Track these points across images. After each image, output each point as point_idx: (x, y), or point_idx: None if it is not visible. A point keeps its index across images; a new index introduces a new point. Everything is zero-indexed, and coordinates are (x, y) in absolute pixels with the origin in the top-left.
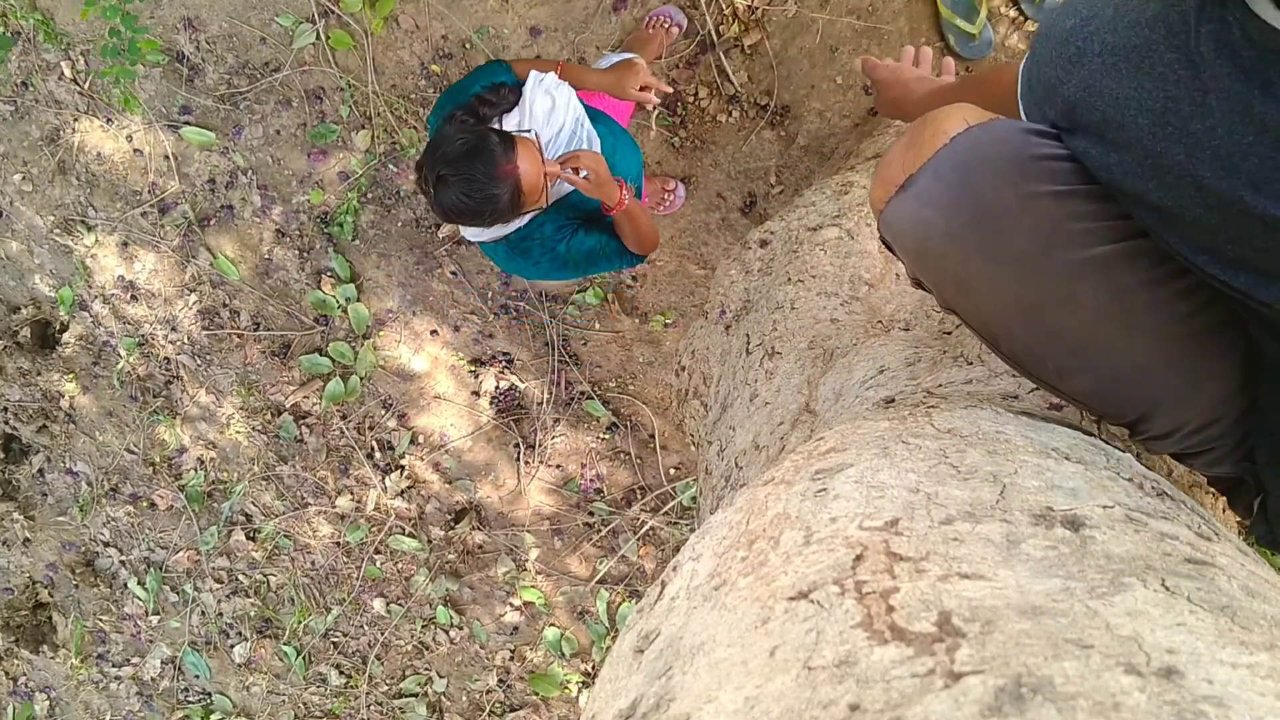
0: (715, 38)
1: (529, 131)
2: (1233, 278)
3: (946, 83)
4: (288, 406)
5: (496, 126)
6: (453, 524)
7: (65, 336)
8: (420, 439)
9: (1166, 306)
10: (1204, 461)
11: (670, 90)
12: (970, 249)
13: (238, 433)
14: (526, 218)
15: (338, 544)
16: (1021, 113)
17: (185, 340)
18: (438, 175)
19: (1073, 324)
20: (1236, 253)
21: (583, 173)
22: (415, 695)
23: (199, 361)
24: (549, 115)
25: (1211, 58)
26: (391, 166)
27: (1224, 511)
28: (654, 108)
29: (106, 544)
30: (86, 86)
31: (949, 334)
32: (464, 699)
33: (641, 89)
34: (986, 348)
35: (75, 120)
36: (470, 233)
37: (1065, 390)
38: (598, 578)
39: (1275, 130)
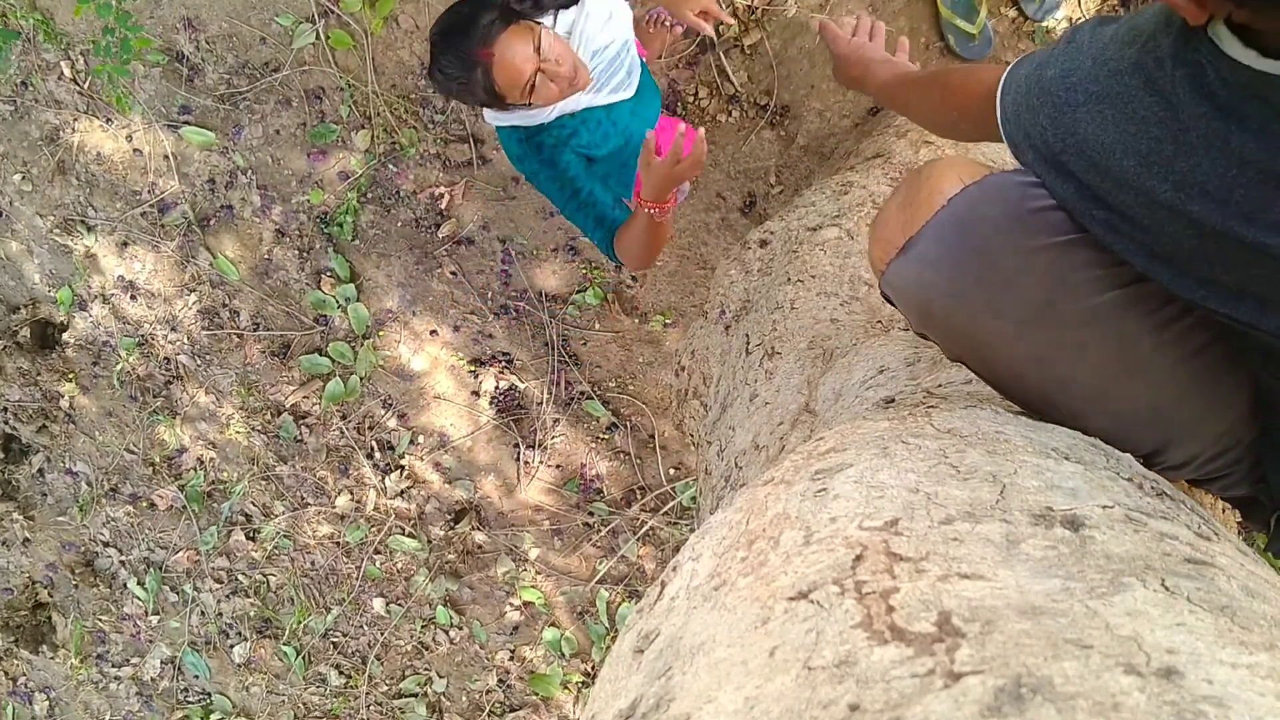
0: (715, 37)
1: (541, 22)
2: (1234, 309)
3: (908, 73)
4: (287, 406)
5: (549, 21)
6: (453, 524)
7: (65, 336)
8: (420, 439)
9: (1174, 346)
10: (1220, 485)
11: (732, 21)
12: (976, 308)
13: (237, 433)
14: (552, 113)
15: (337, 544)
16: (1003, 133)
17: (185, 340)
18: (430, 41)
19: (1084, 372)
20: (1235, 282)
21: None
22: (415, 695)
23: (199, 361)
24: (603, 25)
25: (1187, 99)
26: (391, 166)
27: (1224, 512)
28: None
29: (106, 544)
30: (86, 86)
31: None
32: (464, 699)
33: (700, 14)
34: (998, 394)
35: (75, 120)
36: (488, 114)
37: (1081, 430)
38: (598, 578)
39: (1255, 163)
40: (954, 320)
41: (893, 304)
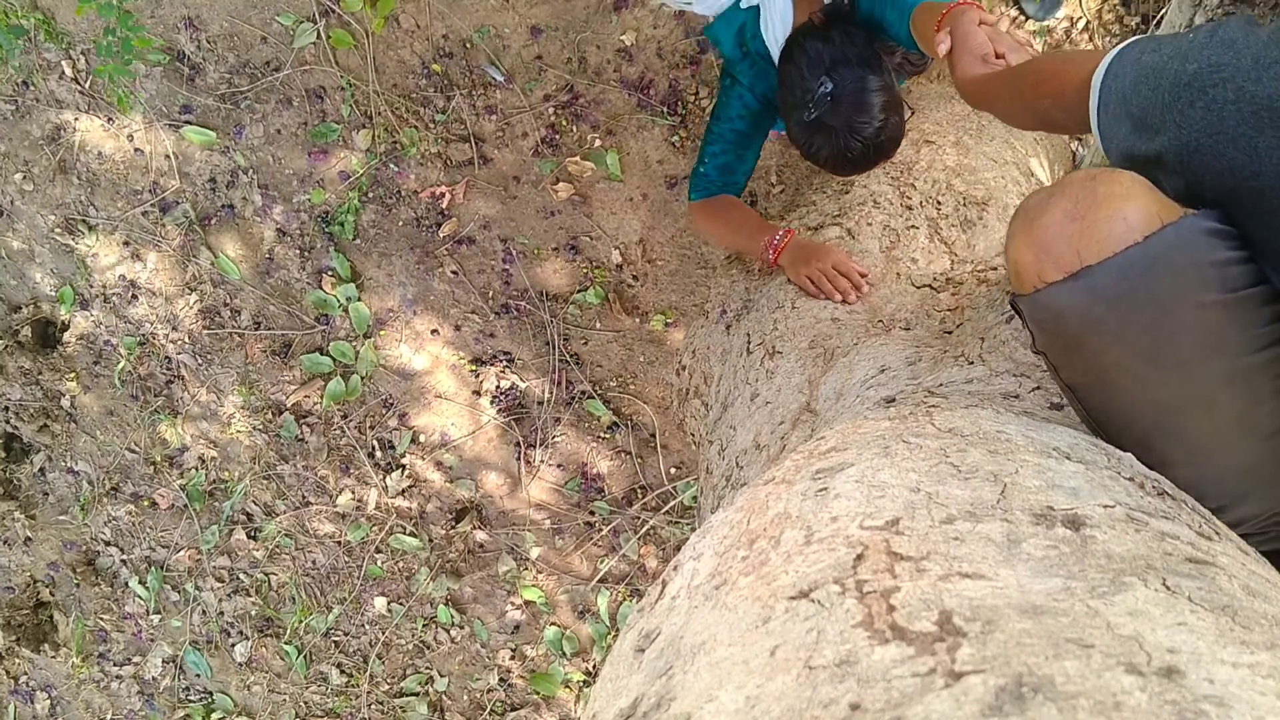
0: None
1: None
2: None
3: (999, 68)
4: (289, 406)
5: None
6: (454, 523)
7: (66, 335)
8: (421, 438)
9: None
10: (1257, 542)
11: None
12: (1134, 351)
13: (239, 432)
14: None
15: (339, 543)
16: (1095, 131)
17: (186, 339)
18: None
19: (1203, 428)
20: None
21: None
22: (416, 694)
23: (200, 361)
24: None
25: None
26: (392, 165)
27: None
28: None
29: (107, 543)
30: (88, 86)
31: (950, 333)
32: (465, 698)
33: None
34: (1087, 427)
35: (76, 119)
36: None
37: (1156, 472)
38: (599, 577)
39: None
40: (1104, 359)
41: (1020, 314)
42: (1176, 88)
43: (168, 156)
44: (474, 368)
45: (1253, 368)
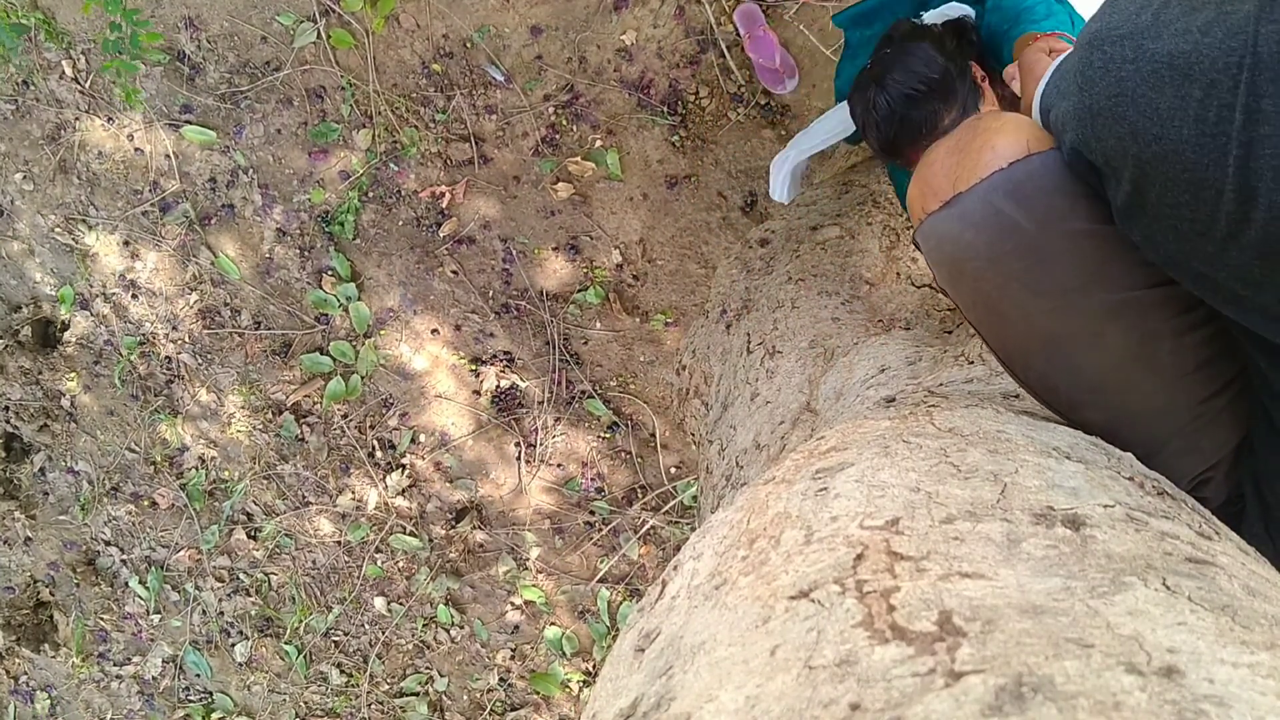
0: (714, 30)
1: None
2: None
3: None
4: (289, 405)
5: None
6: (454, 523)
7: (66, 335)
8: (421, 438)
9: (1189, 353)
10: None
11: None
12: (1009, 276)
13: (239, 431)
14: None
15: (339, 543)
16: (1036, 109)
17: (186, 339)
18: None
19: (1096, 362)
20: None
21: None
22: (416, 694)
23: (200, 360)
24: None
25: (1272, 60)
26: (392, 165)
27: None
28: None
29: (108, 543)
30: (88, 85)
31: (950, 333)
32: (465, 698)
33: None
34: (1000, 366)
35: (76, 119)
36: None
37: (1073, 420)
38: (599, 576)
39: None
40: (983, 285)
41: (919, 249)
42: (1081, 47)
43: (168, 156)
44: (474, 367)
45: (1142, 303)
